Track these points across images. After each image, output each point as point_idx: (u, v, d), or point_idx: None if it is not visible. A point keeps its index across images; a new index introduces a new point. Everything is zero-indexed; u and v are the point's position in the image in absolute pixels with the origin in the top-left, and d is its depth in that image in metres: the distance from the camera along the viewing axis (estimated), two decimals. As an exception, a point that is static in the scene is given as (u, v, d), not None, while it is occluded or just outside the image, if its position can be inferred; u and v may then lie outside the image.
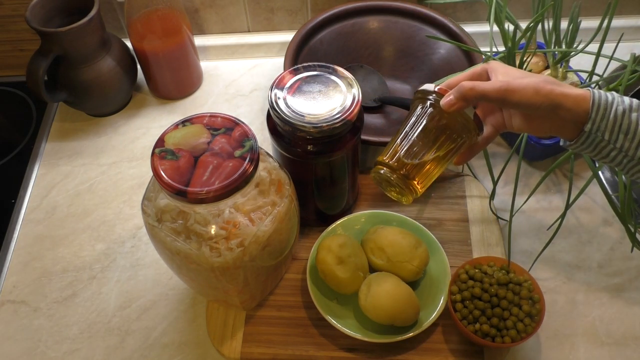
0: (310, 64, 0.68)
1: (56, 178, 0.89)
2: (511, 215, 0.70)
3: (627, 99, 0.53)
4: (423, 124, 0.56)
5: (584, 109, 0.52)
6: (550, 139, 0.80)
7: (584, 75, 0.83)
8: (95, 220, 0.84)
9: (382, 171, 0.57)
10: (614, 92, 0.54)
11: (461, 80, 0.58)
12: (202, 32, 1.03)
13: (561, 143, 0.59)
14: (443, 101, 0.55)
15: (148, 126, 0.95)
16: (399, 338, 0.67)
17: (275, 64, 1.03)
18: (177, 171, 0.55)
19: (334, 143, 0.66)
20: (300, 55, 0.90)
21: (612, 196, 0.70)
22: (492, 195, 0.79)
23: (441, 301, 0.69)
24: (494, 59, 0.76)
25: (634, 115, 0.52)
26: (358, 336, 0.67)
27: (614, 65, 0.79)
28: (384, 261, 0.70)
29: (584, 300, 0.73)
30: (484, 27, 1.00)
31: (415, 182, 0.57)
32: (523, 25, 0.79)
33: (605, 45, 0.73)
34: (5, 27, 0.98)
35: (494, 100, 0.53)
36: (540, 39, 0.84)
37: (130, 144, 0.93)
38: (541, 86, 0.52)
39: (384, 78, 0.95)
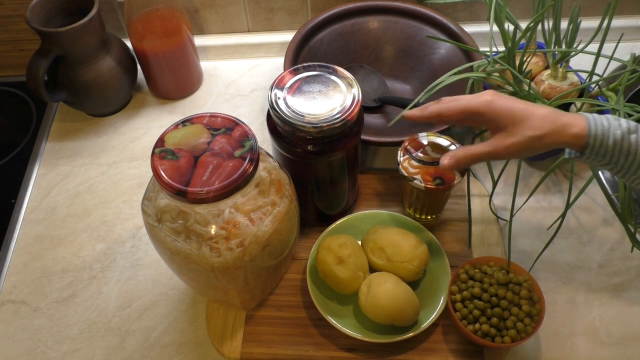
0: (310, 64, 0.68)
1: (56, 178, 0.89)
2: (511, 215, 0.70)
3: (624, 122, 0.55)
4: (416, 194, 0.75)
5: (583, 143, 0.55)
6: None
7: (584, 75, 0.83)
8: (95, 220, 0.84)
9: (411, 212, 0.81)
10: (609, 116, 0.56)
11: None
12: (202, 32, 1.03)
13: (566, 155, 0.61)
14: (442, 164, 0.62)
15: (148, 126, 0.95)
16: (399, 338, 0.67)
17: (275, 64, 1.03)
18: (177, 171, 0.55)
19: (334, 143, 0.66)
20: (300, 55, 0.90)
21: (612, 196, 0.70)
22: (492, 195, 0.79)
23: (441, 301, 0.69)
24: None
25: (632, 137, 0.54)
26: (358, 336, 0.67)
27: (614, 65, 0.79)
28: (384, 261, 0.70)
29: (584, 300, 0.73)
30: (484, 27, 1.00)
31: (431, 216, 0.80)
32: (523, 25, 0.79)
33: (605, 45, 0.73)
34: (5, 27, 0.98)
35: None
36: (540, 39, 0.84)
37: (130, 144, 0.93)
38: (535, 144, 0.57)
39: (384, 78, 0.95)
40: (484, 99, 0.59)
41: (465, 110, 0.60)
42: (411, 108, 0.79)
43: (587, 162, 0.58)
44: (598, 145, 0.55)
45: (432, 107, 0.63)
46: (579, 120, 0.56)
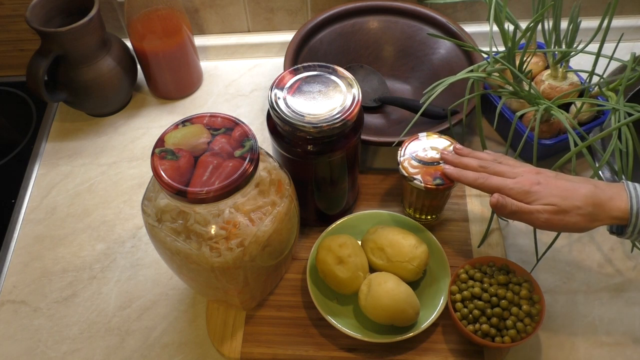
0: (310, 64, 0.68)
1: (56, 178, 0.89)
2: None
3: None
4: (416, 194, 0.74)
5: (624, 219, 0.59)
6: (550, 139, 0.80)
7: (584, 75, 0.83)
8: (95, 220, 0.84)
9: (411, 212, 0.80)
10: None
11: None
12: (202, 32, 1.03)
13: (607, 229, 0.64)
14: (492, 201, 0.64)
15: (148, 126, 0.95)
16: (399, 338, 0.67)
17: (275, 64, 1.03)
18: (177, 171, 0.55)
19: (334, 143, 0.66)
20: (300, 55, 0.90)
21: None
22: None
23: (441, 301, 0.69)
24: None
25: None
26: (358, 336, 0.67)
27: (614, 65, 0.79)
28: (384, 261, 0.70)
29: (584, 300, 0.74)
30: (484, 27, 1.00)
31: (431, 216, 0.80)
32: (523, 25, 0.79)
33: (605, 45, 0.73)
34: (5, 27, 0.98)
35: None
36: (540, 39, 0.84)
37: (130, 144, 0.93)
38: (583, 224, 0.59)
39: (384, 78, 0.95)
40: (524, 189, 0.62)
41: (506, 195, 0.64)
42: (411, 108, 0.80)
43: (630, 239, 0.61)
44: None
45: (472, 178, 0.66)
46: (621, 200, 0.58)
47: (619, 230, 0.62)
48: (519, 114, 0.74)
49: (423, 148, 0.73)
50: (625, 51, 0.78)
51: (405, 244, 0.70)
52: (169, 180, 0.54)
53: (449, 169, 0.69)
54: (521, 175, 0.64)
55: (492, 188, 0.64)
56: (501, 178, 0.64)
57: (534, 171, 0.64)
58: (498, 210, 0.63)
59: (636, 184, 0.60)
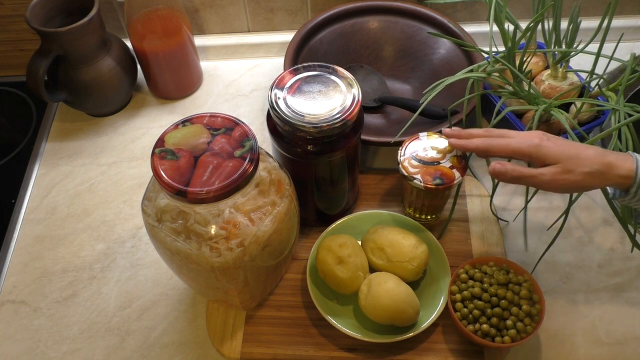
0: (310, 64, 0.68)
1: (56, 178, 0.89)
2: (515, 218, 0.70)
3: None
4: (416, 194, 0.74)
5: (629, 183, 0.58)
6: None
7: (584, 75, 0.83)
8: (95, 220, 0.84)
9: (411, 212, 0.81)
10: None
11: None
12: (202, 32, 1.03)
13: (610, 195, 0.63)
14: (493, 167, 0.62)
15: (148, 126, 0.95)
16: (399, 338, 0.67)
17: (275, 64, 1.03)
18: (177, 171, 0.55)
19: (334, 143, 0.66)
20: (300, 55, 0.90)
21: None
22: (492, 195, 0.79)
23: (441, 301, 0.69)
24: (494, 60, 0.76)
25: None
26: (358, 336, 0.67)
27: (614, 65, 0.79)
28: (384, 261, 0.70)
29: (584, 300, 0.74)
30: (484, 27, 1.00)
31: (431, 216, 0.80)
32: (523, 25, 0.79)
33: (605, 45, 0.73)
34: (5, 27, 0.98)
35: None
36: (540, 39, 0.84)
37: (130, 144, 0.93)
38: (586, 182, 0.58)
39: (384, 78, 0.95)
40: (533, 142, 0.60)
41: (514, 152, 0.61)
42: (411, 108, 0.80)
43: (631, 202, 0.60)
44: None
45: (479, 142, 0.64)
46: (627, 162, 0.58)
47: (621, 193, 0.61)
48: (510, 108, 0.74)
49: (423, 148, 0.73)
50: (625, 51, 0.78)
51: (405, 244, 0.70)
52: (169, 180, 0.54)
53: (453, 140, 0.68)
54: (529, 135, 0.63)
55: (500, 148, 0.62)
56: (507, 139, 0.63)
57: (541, 132, 0.63)
58: (498, 177, 0.62)
59: None
